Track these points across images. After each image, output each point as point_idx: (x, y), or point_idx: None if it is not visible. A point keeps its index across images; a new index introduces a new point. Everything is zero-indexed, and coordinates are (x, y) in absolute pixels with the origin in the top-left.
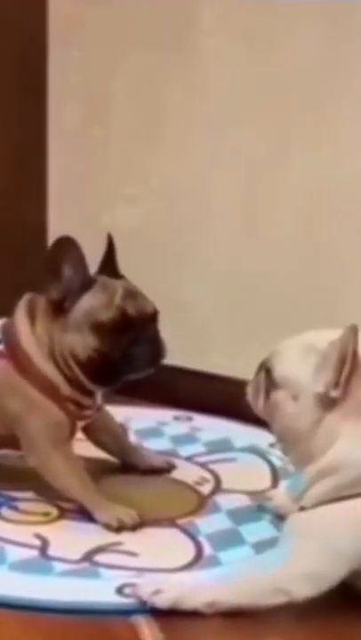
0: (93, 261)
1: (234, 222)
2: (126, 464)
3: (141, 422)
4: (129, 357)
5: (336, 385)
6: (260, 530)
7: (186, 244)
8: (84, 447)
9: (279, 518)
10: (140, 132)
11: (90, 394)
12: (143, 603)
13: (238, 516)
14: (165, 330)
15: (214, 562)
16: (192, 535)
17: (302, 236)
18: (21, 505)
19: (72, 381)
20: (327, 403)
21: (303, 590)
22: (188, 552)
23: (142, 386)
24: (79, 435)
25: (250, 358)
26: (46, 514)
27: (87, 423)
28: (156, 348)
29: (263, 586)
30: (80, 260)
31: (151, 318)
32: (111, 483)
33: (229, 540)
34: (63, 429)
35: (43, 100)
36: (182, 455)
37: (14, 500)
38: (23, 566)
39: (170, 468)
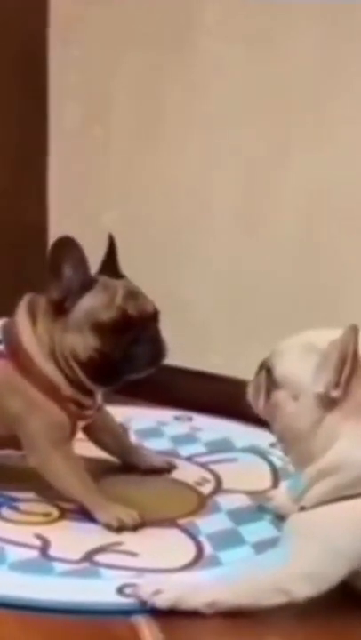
0: (93, 261)
1: (234, 222)
2: (127, 464)
3: (142, 422)
4: (130, 357)
5: (336, 385)
6: (260, 530)
7: (186, 244)
8: (84, 447)
9: (279, 518)
10: (140, 131)
11: (90, 394)
12: (143, 603)
13: (239, 516)
14: (166, 330)
15: (215, 562)
16: (192, 535)
17: (302, 235)
18: (22, 505)
19: (73, 381)
20: (328, 403)
21: (303, 590)
22: (189, 552)
23: (143, 386)
24: (80, 435)
25: (250, 358)
26: (47, 514)
27: (88, 423)
28: (157, 347)
29: (263, 586)
30: (81, 260)
31: (152, 318)
32: (112, 483)
33: (230, 540)
34: (64, 429)
35: (43, 99)
36: (183, 455)
37: (15, 500)
38: (23, 566)
39: (170, 468)
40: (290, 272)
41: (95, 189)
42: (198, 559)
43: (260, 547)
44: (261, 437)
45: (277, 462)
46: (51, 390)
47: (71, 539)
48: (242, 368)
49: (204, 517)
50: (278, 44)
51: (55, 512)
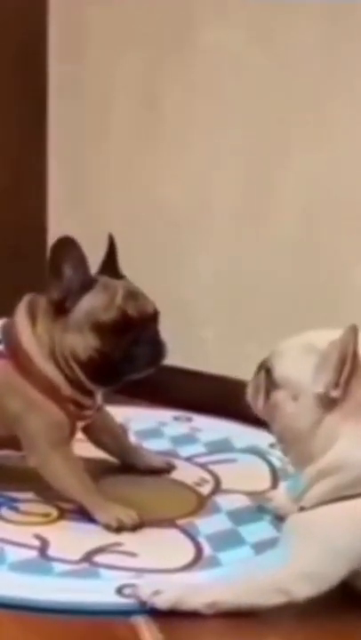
0: (93, 262)
1: (234, 222)
2: (126, 464)
3: (141, 423)
4: (130, 358)
5: (336, 385)
6: (259, 530)
7: (186, 244)
8: (84, 447)
9: (279, 519)
10: (140, 131)
11: (90, 394)
12: (143, 603)
13: (238, 516)
14: (165, 330)
15: (214, 562)
16: (192, 536)
17: (302, 235)
18: (21, 506)
19: (73, 382)
20: (327, 403)
21: (303, 590)
22: (188, 553)
23: (142, 386)
24: (79, 435)
25: (250, 358)
26: (46, 514)
27: (87, 423)
28: (157, 348)
29: (263, 586)
30: (81, 261)
31: (152, 318)
32: (111, 483)
33: (229, 540)
34: (63, 430)
35: (42, 99)
36: (182, 456)
37: (14, 500)
38: (23, 567)
39: (170, 468)
40: (290, 272)
41: (95, 189)
42: (198, 560)
43: (260, 547)
44: (261, 438)
45: (277, 463)
46: (50, 390)
47: (70, 539)
48: (242, 368)
49: (204, 518)
50: (278, 43)
51: (54, 512)
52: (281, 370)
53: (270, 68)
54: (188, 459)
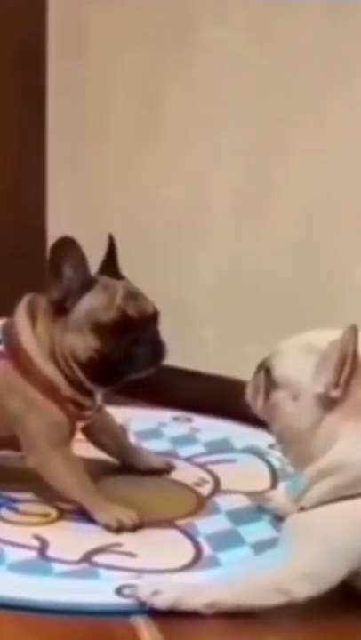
0: (93, 262)
1: (234, 222)
2: (126, 465)
3: (141, 423)
4: (130, 358)
5: (336, 385)
6: (259, 530)
7: (186, 244)
8: (83, 448)
9: (278, 519)
10: (140, 131)
11: (90, 394)
12: (142, 603)
13: (238, 516)
14: (165, 330)
15: (214, 562)
16: (191, 536)
17: (302, 235)
18: (21, 506)
19: (73, 382)
20: (327, 403)
21: (303, 590)
22: (188, 553)
23: (142, 386)
24: (79, 435)
25: (250, 358)
26: (46, 515)
27: (87, 424)
28: (157, 348)
29: (263, 586)
30: (81, 261)
31: (152, 319)
32: (111, 483)
33: (229, 540)
34: (63, 430)
35: (42, 99)
36: (182, 456)
37: (14, 501)
38: (22, 567)
39: (169, 468)
40: (290, 272)
41: (95, 189)
42: (197, 560)
43: (260, 547)
44: (260, 438)
45: (276, 463)
46: (50, 390)
47: (70, 539)
48: (241, 368)
49: (203, 518)
50: (278, 43)
51: (54, 513)
52: (281, 370)
53: (270, 67)
54: (188, 459)
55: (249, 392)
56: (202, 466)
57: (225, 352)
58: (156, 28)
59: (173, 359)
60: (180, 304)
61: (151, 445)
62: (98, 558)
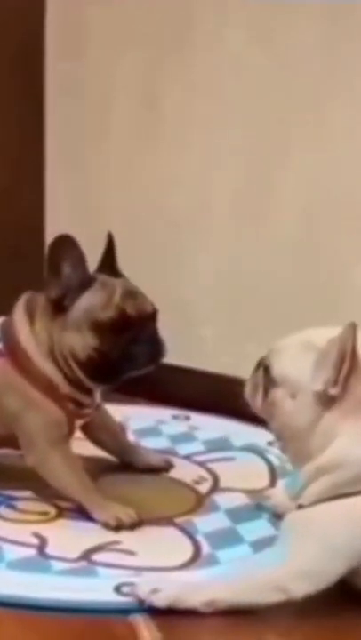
0: (93, 262)
1: (234, 222)
2: (125, 463)
3: (140, 421)
4: (128, 356)
5: (335, 383)
6: (258, 528)
7: (186, 244)
8: (82, 446)
9: (277, 517)
10: (140, 131)
11: (89, 392)
12: (141, 601)
13: (236, 514)
14: (165, 329)
15: (212, 560)
16: (190, 534)
17: (302, 235)
18: (20, 504)
19: (71, 380)
20: (326, 401)
21: (301, 588)
22: (187, 551)
23: (141, 385)
24: (78, 433)
25: (249, 358)
26: (45, 513)
27: (86, 422)
28: (156, 347)
29: (261, 584)
30: (79, 259)
31: (150, 317)
32: (110, 481)
33: (227, 538)
34: (62, 428)
35: (41, 100)
36: (181, 454)
37: (13, 499)
38: (21, 565)
39: (168, 466)
40: (290, 272)
41: (95, 189)
42: (196, 558)
43: (258, 545)
44: (259, 436)
45: (275, 461)
46: (49, 389)
47: (69, 537)
48: (241, 368)
49: (202, 516)
50: (278, 43)
51: (53, 511)
52: (279, 367)
53: (270, 67)
54: (187, 457)
55: (248, 390)
56: (201, 464)
57: (225, 352)
58: (156, 28)
59: (173, 358)
60: (180, 304)
61: (150, 443)
62: (97, 556)
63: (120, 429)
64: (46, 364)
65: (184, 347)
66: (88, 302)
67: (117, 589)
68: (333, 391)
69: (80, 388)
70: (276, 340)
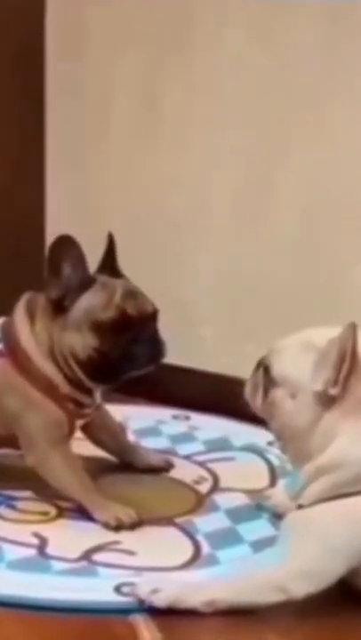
0: (93, 262)
1: (234, 222)
2: (125, 463)
3: (140, 421)
4: (129, 356)
5: (335, 383)
6: (258, 528)
7: (186, 244)
8: (82, 446)
9: (277, 517)
10: (140, 131)
11: (89, 392)
12: (141, 601)
13: (236, 514)
14: (165, 329)
15: (212, 560)
16: (190, 534)
17: (302, 235)
18: (20, 504)
19: (71, 380)
20: (326, 401)
21: (301, 588)
22: (187, 551)
23: (141, 385)
24: (78, 433)
25: (249, 358)
26: (45, 513)
27: (86, 422)
28: (156, 347)
29: (261, 584)
30: (80, 259)
31: (151, 317)
32: (110, 482)
33: (228, 538)
34: (62, 428)
35: (41, 100)
36: (181, 454)
37: (13, 499)
38: (21, 565)
39: (168, 466)
40: (290, 272)
41: (95, 189)
42: (196, 558)
43: (258, 545)
44: (259, 436)
45: (275, 461)
46: (49, 389)
47: (69, 537)
48: (241, 368)
49: (202, 516)
50: (278, 43)
51: (53, 511)
52: (279, 367)
53: (270, 67)
54: (187, 457)
55: (248, 390)
56: (201, 464)
57: (225, 352)
58: (156, 28)
59: (173, 358)
60: (180, 304)
61: (150, 443)
62: (97, 556)
63: (120, 429)
64: (46, 364)
65: (184, 347)
66: (88, 302)
67: (117, 589)
68: (333, 391)
69: (80, 388)
70: (276, 340)
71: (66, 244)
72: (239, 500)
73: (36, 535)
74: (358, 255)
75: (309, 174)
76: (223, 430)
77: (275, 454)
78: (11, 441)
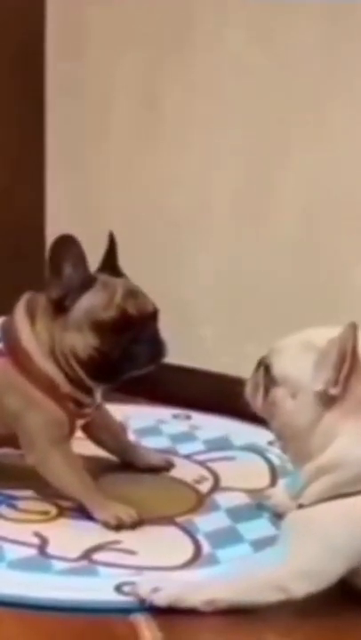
0: (92, 262)
1: (234, 222)
2: (125, 462)
3: (140, 421)
4: (129, 356)
5: (335, 383)
6: (258, 528)
7: (186, 244)
8: (83, 445)
9: (278, 516)
10: (140, 131)
11: (89, 392)
12: (142, 601)
13: (237, 514)
14: (165, 329)
15: (213, 560)
16: (191, 533)
17: (302, 235)
18: (20, 503)
19: (72, 380)
20: (326, 400)
21: (302, 588)
22: (187, 550)
23: (142, 384)
24: (78, 433)
25: (250, 358)
26: (45, 512)
27: (87, 421)
28: (157, 346)
29: (262, 583)
30: (81, 259)
31: (151, 317)
32: (110, 481)
33: (228, 538)
34: (62, 428)
35: (41, 100)
36: (181, 453)
37: (13, 498)
38: (22, 564)
39: (169, 466)
40: (290, 272)
41: (95, 189)
42: (197, 557)
43: (259, 545)
44: (260, 435)
45: (276, 460)
46: (49, 388)
47: (69, 537)
48: (241, 367)
49: (203, 515)
50: (278, 43)
51: (53, 510)
52: (280, 367)
53: (270, 67)
54: (188, 456)
55: (248, 389)
56: (201, 463)
57: (225, 351)
58: (156, 28)
59: (173, 358)
60: (180, 304)
61: (150, 443)
62: (97, 556)
63: (121, 429)
64: (47, 363)
65: (184, 347)
66: (89, 302)
67: (118, 589)
68: (334, 391)
69: (81, 387)
70: (277, 340)
71: (67, 244)
72: (240, 499)
73: (37, 535)
74: (358, 255)
75: (309, 174)
76: (224, 430)
77: (275, 454)
78: (11, 440)
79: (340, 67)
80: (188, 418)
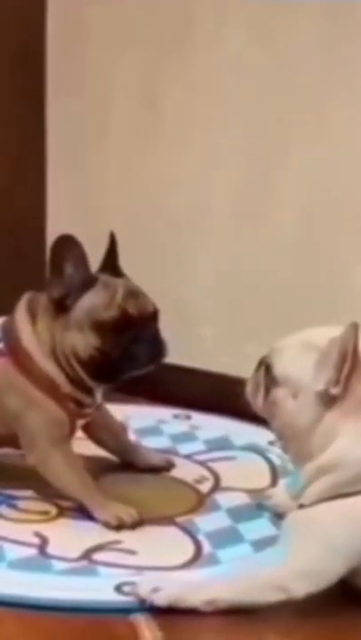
0: (92, 262)
1: (234, 222)
2: (126, 462)
3: (141, 421)
4: (130, 356)
5: (336, 382)
6: (259, 528)
7: (186, 244)
8: (83, 445)
9: (278, 516)
10: (140, 131)
11: (90, 392)
12: (142, 601)
13: (237, 514)
14: (165, 329)
15: (213, 560)
16: (191, 533)
17: (302, 235)
18: (21, 503)
19: (73, 380)
20: (327, 400)
21: (302, 588)
22: (188, 550)
23: (142, 384)
24: (79, 433)
25: (250, 358)
26: (45, 512)
27: (87, 421)
28: (157, 346)
29: (262, 583)
30: (82, 259)
31: (152, 317)
32: (111, 481)
33: (228, 538)
34: (63, 428)
35: (41, 100)
36: (182, 453)
37: (14, 498)
38: (22, 564)
39: (169, 466)
40: (290, 272)
41: (95, 189)
42: (197, 557)
43: (259, 545)
44: (260, 435)
45: (276, 460)
46: (50, 388)
47: (70, 537)
48: (241, 367)
49: (203, 515)
50: (278, 43)
51: (54, 510)
52: (281, 367)
53: (270, 67)
54: (188, 456)
55: (249, 389)
56: (202, 463)
57: (225, 351)
58: (156, 28)
59: (173, 358)
60: (180, 304)
61: (151, 443)
62: (97, 556)
63: (121, 429)
64: (48, 363)
65: (184, 347)
66: (90, 302)
67: (118, 589)
68: (335, 391)
69: (81, 387)
70: (277, 340)
71: (68, 244)
72: (240, 499)
73: (37, 534)
74: (358, 255)
75: (309, 174)
76: (224, 430)
77: (276, 454)
78: (12, 440)
79: (340, 67)
80: (189, 418)
